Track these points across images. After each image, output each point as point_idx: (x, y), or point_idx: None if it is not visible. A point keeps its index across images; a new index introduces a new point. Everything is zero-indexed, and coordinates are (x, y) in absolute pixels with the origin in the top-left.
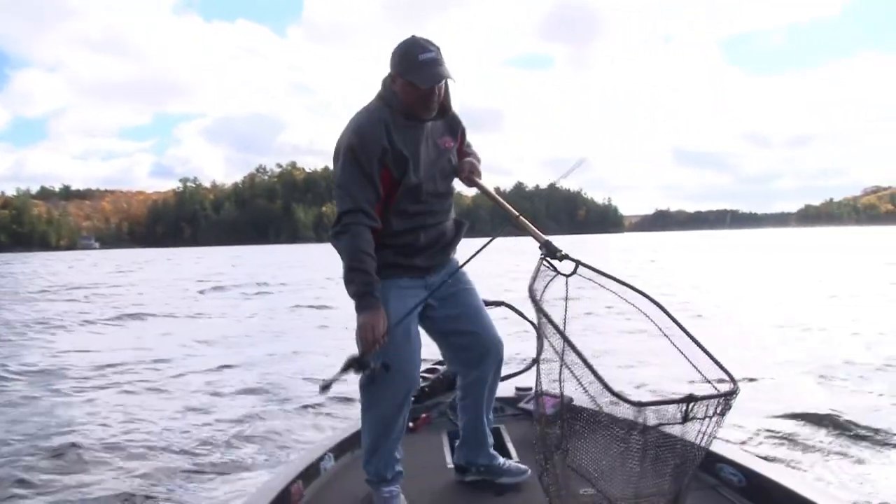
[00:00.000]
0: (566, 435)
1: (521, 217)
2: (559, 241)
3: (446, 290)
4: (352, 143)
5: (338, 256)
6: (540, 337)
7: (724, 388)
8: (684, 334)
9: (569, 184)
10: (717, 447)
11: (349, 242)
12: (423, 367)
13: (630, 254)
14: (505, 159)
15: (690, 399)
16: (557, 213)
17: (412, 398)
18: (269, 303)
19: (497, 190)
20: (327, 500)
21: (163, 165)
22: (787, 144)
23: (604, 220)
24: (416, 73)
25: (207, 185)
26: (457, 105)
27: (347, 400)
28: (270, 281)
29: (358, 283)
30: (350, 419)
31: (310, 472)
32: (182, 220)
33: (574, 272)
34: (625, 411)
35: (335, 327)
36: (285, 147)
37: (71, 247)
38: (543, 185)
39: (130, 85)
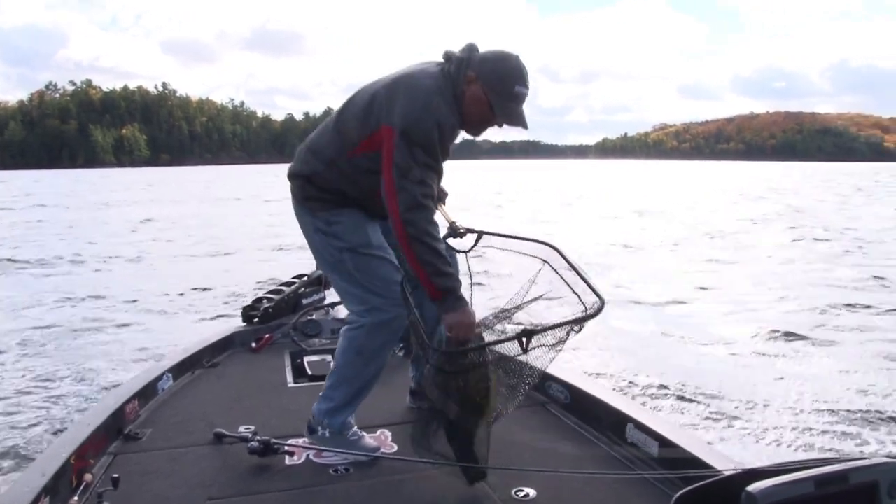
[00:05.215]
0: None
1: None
2: None
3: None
4: (440, 126)
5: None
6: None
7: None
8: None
9: None
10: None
11: (438, 239)
12: (266, 289)
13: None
14: (307, 84)
15: (525, 334)
16: None
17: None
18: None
19: (306, 114)
20: (163, 421)
21: None
22: (576, 80)
23: None
24: (505, 103)
25: None
26: (253, 28)
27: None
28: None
29: (453, 280)
30: (186, 340)
31: (146, 392)
32: None
33: (476, 243)
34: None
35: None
36: (68, 63)
37: None
38: None
39: None
